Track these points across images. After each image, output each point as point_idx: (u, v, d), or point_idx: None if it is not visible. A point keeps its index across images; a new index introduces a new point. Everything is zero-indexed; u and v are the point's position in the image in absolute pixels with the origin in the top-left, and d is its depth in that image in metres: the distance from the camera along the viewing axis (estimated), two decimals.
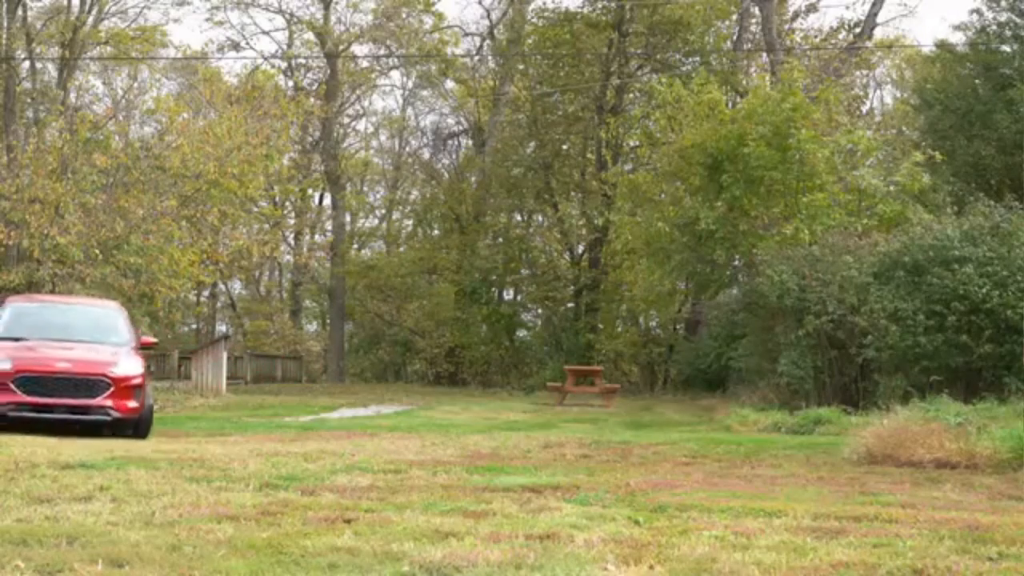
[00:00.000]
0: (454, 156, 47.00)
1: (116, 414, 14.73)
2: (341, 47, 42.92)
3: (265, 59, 45.45)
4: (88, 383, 14.68)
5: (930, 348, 18.37)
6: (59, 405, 14.54)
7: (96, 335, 16.07)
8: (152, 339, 17.03)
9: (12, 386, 14.47)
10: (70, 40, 35.49)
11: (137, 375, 15.10)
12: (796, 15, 40.13)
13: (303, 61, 44.99)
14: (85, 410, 14.62)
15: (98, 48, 40.09)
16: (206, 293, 49.49)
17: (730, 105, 30.61)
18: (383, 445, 13.99)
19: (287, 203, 47.53)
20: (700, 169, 25.75)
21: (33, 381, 14.51)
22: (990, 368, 18.38)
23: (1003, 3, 28.22)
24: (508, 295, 42.54)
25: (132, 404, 14.86)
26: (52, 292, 23.45)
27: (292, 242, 48.92)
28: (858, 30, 37.44)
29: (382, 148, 52.02)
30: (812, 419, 17.36)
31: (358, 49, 45.01)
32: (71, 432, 14.35)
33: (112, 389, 14.71)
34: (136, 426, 15.04)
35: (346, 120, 48.26)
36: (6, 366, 14.61)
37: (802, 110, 24.44)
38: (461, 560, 5.80)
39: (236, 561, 5.79)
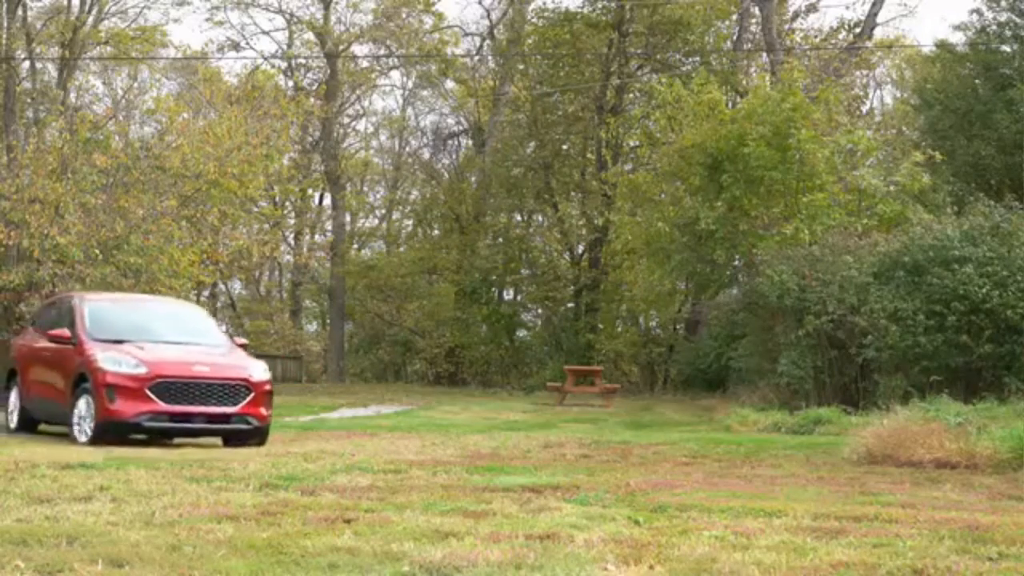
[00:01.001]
0: (454, 156, 47.01)
1: (255, 423, 13.45)
2: (341, 47, 42.92)
3: (265, 59, 45.47)
4: (229, 389, 13.35)
5: (930, 348, 18.37)
6: (199, 414, 13.20)
7: (194, 336, 14.59)
8: (244, 340, 15.43)
9: (149, 393, 13.00)
10: (70, 40, 35.48)
11: (269, 380, 13.92)
12: (796, 15, 40.13)
13: (303, 61, 45.00)
14: (225, 419, 13.32)
15: (98, 48, 40.08)
16: (206, 293, 49.45)
17: (730, 105, 30.60)
18: (383, 445, 14.00)
19: (287, 203, 47.52)
20: (700, 169, 25.74)
21: (171, 387, 13.06)
22: (990, 368, 18.39)
23: (1003, 3, 28.22)
24: (508, 295, 42.53)
25: (266, 412, 13.65)
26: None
27: (292, 242, 48.91)
28: (858, 30, 37.42)
29: (382, 148, 52.02)
30: (812, 419, 17.37)
31: (358, 49, 45.05)
32: (202, 444, 13.37)
33: (252, 396, 13.44)
34: (262, 435, 13.75)
35: (346, 120, 48.25)
36: (141, 371, 13.11)
37: (802, 110, 24.43)
38: (461, 560, 5.80)
39: (236, 561, 5.79)
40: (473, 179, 42.84)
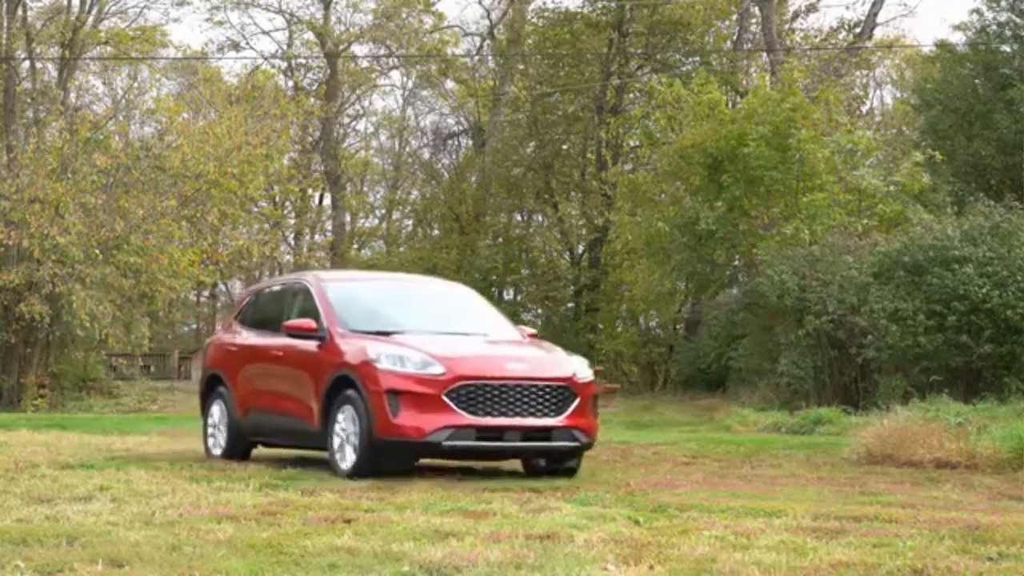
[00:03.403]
0: (454, 156, 47.01)
1: (582, 438, 10.23)
2: (341, 47, 42.98)
3: (265, 59, 45.52)
4: (551, 394, 10.09)
5: (930, 348, 18.35)
6: (513, 429, 9.89)
7: (475, 324, 11.31)
8: (532, 330, 11.87)
9: (448, 401, 9.73)
10: (70, 40, 35.50)
11: (593, 380, 10.71)
12: (796, 15, 40.14)
13: (303, 61, 45.04)
14: (546, 434, 10.04)
15: (98, 48, 40.10)
16: (206, 293, 49.48)
17: (730, 105, 30.59)
18: None
19: (287, 203, 47.52)
20: (700, 169, 25.73)
21: (478, 393, 9.78)
22: (990, 368, 18.38)
23: (1003, 3, 28.20)
24: (508, 295, 42.52)
25: (593, 423, 10.50)
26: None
27: (292, 242, 48.92)
28: (858, 30, 37.43)
29: (382, 148, 52.02)
30: (812, 419, 17.37)
31: (358, 49, 45.14)
32: (497, 471, 10.46)
33: (577, 402, 10.19)
34: (581, 455, 10.63)
35: (346, 120, 48.30)
36: (435, 371, 9.79)
37: (802, 110, 24.42)
38: (461, 560, 5.80)
39: (236, 561, 5.79)
40: (473, 179, 42.85)
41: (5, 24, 33.78)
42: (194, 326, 51.21)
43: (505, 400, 9.86)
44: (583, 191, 39.65)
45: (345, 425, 10.01)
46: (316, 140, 44.47)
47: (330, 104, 41.01)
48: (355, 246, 48.30)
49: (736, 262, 26.57)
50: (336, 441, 10.09)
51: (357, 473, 9.73)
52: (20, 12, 35.24)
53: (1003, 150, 26.74)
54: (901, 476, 10.71)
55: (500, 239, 41.40)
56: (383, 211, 52.11)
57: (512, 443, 9.99)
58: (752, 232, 24.68)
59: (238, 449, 11.70)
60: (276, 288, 12.49)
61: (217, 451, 11.86)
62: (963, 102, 27.64)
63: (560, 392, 10.13)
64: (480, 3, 44.24)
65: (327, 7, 42.87)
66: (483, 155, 40.96)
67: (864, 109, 41.21)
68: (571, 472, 10.41)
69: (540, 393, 10.03)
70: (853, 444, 12.53)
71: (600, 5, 38.54)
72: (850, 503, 8.50)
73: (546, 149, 39.58)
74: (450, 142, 46.92)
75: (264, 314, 12.08)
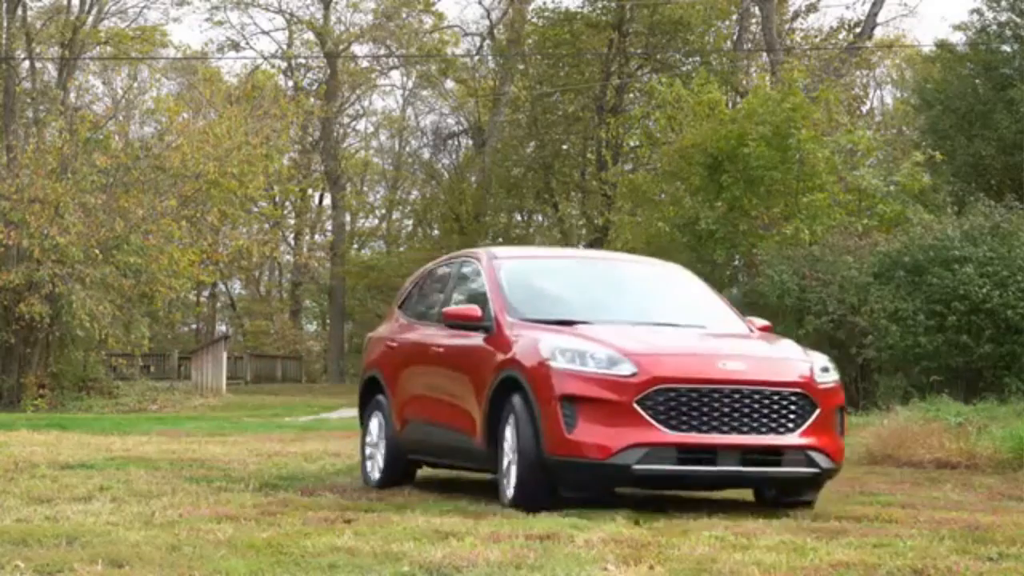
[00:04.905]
0: (454, 156, 47.06)
1: (825, 463, 7.91)
2: (341, 47, 43.02)
3: (265, 59, 45.57)
4: (783, 403, 7.84)
5: (930, 348, 18.34)
6: (729, 448, 7.65)
7: (685, 312, 8.99)
8: (766, 322, 9.51)
9: (641, 411, 7.55)
10: (70, 40, 35.52)
11: (838, 385, 8.44)
12: (796, 15, 40.16)
13: (303, 61, 45.07)
14: (775, 457, 7.80)
15: (98, 48, 40.13)
16: (206, 293, 49.50)
17: (730, 105, 30.60)
18: None
19: (287, 203, 47.55)
20: (700, 169, 25.73)
21: (683, 401, 7.60)
22: (990, 368, 18.36)
23: (1003, 3, 28.20)
24: None
25: (838, 442, 8.15)
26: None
27: (292, 242, 48.96)
28: (858, 30, 37.45)
29: (382, 148, 52.05)
30: None
31: (358, 49, 45.18)
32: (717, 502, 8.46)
33: (817, 414, 7.92)
34: (821, 484, 8.21)
35: (346, 120, 48.32)
36: (623, 370, 7.61)
37: (802, 110, 24.42)
38: (461, 560, 5.79)
39: (236, 561, 5.79)
40: (473, 179, 42.90)
41: (5, 24, 33.79)
42: (194, 326, 51.27)
43: (719, 410, 7.64)
44: (583, 191, 39.69)
45: (510, 441, 7.92)
46: (316, 140, 44.50)
47: (330, 104, 41.04)
48: (355, 246, 48.33)
49: (736, 262, 26.55)
50: (505, 461, 8.00)
51: (519, 504, 7.69)
52: (20, 12, 35.25)
53: (1003, 150, 26.73)
54: (901, 476, 10.71)
55: (500, 239, 41.43)
56: (383, 211, 52.15)
57: (727, 467, 7.67)
58: (752, 232, 24.67)
59: (397, 471, 9.39)
60: (443, 268, 9.95)
61: (376, 475, 9.51)
62: (963, 102, 27.63)
63: (794, 400, 7.87)
64: (480, 3, 44.31)
65: (327, 7, 42.91)
66: (483, 155, 41.00)
67: (864, 109, 41.24)
68: (808, 505, 8.12)
69: (767, 401, 7.77)
70: (853, 444, 12.52)
71: (600, 5, 38.57)
72: (850, 503, 8.50)
73: (546, 149, 39.62)
74: (450, 142, 46.98)
75: (428, 301, 9.82)
